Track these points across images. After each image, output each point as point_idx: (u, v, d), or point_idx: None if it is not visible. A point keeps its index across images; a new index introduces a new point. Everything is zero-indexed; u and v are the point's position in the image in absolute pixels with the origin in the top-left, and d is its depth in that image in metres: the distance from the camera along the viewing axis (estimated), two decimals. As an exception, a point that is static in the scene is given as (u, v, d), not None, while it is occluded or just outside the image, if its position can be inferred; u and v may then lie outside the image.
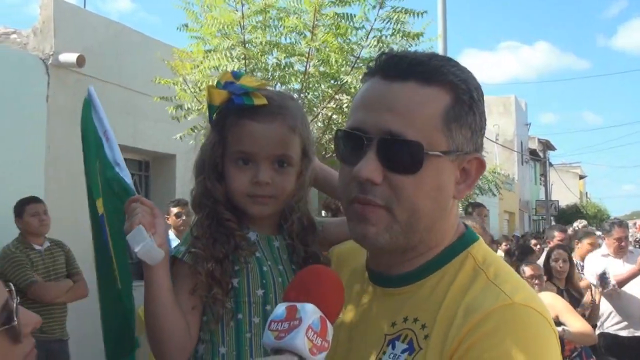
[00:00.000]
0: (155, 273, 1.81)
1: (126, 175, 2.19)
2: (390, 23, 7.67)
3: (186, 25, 8.03)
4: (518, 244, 7.77)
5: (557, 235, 9.65)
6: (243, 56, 7.67)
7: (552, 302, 5.88)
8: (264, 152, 1.94)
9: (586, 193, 65.69)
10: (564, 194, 49.54)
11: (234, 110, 1.95)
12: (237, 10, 7.68)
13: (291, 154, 1.98)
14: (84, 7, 10.01)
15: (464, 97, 1.48)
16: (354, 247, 1.79)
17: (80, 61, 7.67)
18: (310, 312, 1.30)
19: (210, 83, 2.03)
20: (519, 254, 7.62)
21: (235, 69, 7.53)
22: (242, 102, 1.93)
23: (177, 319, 1.84)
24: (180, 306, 1.85)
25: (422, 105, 1.43)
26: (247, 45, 7.72)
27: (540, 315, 1.39)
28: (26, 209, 6.29)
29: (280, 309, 1.34)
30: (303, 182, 2.05)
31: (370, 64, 1.56)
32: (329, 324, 1.33)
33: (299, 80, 7.88)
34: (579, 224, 13.63)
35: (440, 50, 12.03)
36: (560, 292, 7.00)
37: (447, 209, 1.52)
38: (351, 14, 7.66)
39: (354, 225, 1.50)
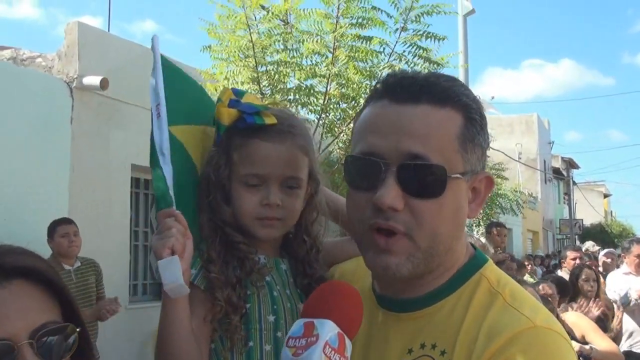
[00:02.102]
0: (176, 305, 1.71)
1: (168, 171, 1.89)
2: (412, 47, 7.69)
3: (209, 47, 8.11)
4: (556, 280, 7.34)
5: (570, 255, 9.55)
6: (265, 77, 7.74)
7: (577, 321, 5.78)
8: (275, 174, 1.89)
9: (611, 212, 64.84)
10: (589, 213, 48.93)
11: (241, 130, 1.90)
12: (249, 33, 7.75)
13: (301, 175, 1.93)
14: (108, 30, 10.17)
15: (475, 116, 1.47)
16: (357, 267, 1.75)
17: (104, 84, 7.78)
18: (327, 328, 1.29)
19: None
20: (559, 292, 7.12)
21: (255, 91, 7.59)
22: (254, 122, 1.87)
23: (193, 350, 1.75)
24: (194, 334, 1.77)
25: (439, 128, 1.41)
26: (261, 67, 7.78)
27: (561, 337, 1.39)
28: (57, 229, 6.39)
29: (298, 325, 1.33)
30: (314, 204, 2.01)
31: (378, 86, 1.52)
32: (347, 340, 1.32)
33: (319, 101, 7.92)
34: (590, 246, 13.52)
35: (461, 72, 11.99)
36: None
37: (462, 230, 1.52)
38: (371, 37, 7.69)
39: (374, 257, 1.46)
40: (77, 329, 1.36)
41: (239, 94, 1.95)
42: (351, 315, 1.37)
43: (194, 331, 1.77)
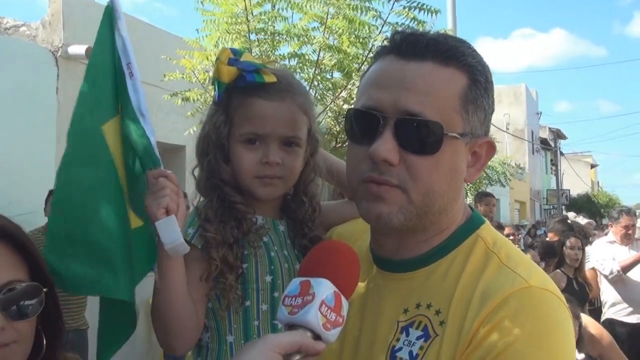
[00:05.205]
0: (173, 263, 1.74)
1: (150, 132, 1.86)
2: (406, 19, 7.60)
3: (202, 3, 7.97)
4: (543, 243, 7.70)
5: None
6: (255, 45, 7.66)
7: (600, 333, 5.28)
8: (275, 132, 1.88)
9: (598, 182, 65.30)
10: (576, 183, 49.22)
11: (242, 89, 1.89)
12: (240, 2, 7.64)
13: (300, 134, 1.93)
14: (93, -2, 10.00)
15: (480, 78, 1.46)
16: (354, 229, 1.76)
17: (89, 53, 7.66)
18: (323, 287, 1.28)
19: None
20: (543, 254, 7.61)
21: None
22: (254, 79, 1.86)
23: (188, 308, 1.78)
24: (190, 294, 1.79)
25: (441, 86, 1.41)
26: (253, 35, 7.69)
27: (556, 297, 1.39)
28: (49, 198, 6.37)
29: (295, 284, 1.31)
30: (313, 164, 2.00)
31: (384, 42, 1.51)
32: (343, 299, 1.31)
33: (310, 70, 7.85)
34: (572, 217, 13.82)
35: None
36: (569, 281, 7.03)
37: (459, 192, 1.51)
38: (364, 6, 7.61)
39: (367, 205, 1.46)
40: (45, 289, 1.36)
41: (237, 53, 1.93)
42: (348, 274, 1.35)
43: (190, 290, 1.79)
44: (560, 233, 8.00)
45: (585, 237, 9.35)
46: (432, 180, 1.41)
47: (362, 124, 1.46)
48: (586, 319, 5.18)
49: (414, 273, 1.51)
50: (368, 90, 1.47)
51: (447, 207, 1.48)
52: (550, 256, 7.52)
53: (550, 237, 8.08)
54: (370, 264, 1.61)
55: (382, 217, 1.44)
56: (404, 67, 1.42)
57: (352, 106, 1.53)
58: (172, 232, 1.66)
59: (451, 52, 1.44)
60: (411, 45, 1.44)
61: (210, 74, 7.59)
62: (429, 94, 1.40)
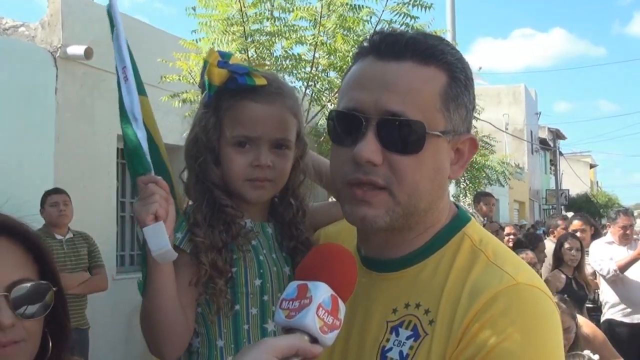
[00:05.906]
0: (162, 268, 1.72)
1: (142, 136, 1.85)
2: (399, 15, 7.60)
3: (194, 9, 7.99)
4: (527, 233, 8.17)
5: (561, 224, 9.70)
6: (251, 46, 7.66)
7: (593, 332, 5.24)
8: (266, 135, 1.88)
9: (597, 182, 65.37)
10: (575, 183, 49.25)
11: (231, 92, 1.88)
12: (235, 4, 7.64)
13: (290, 137, 1.93)
14: (92, -1, 10.01)
15: (460, 76, 1.47)
16: (340, 229, 1.76)
17: (89, 53, 7.68)
18: (320, 290, 1.28)
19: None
20: (528, 242, 8.12)
21: (244, 60, 7.51)
22: (245, 82, 1.86)
23: (178, 314, 1.77)
24: (180, 299, 1.78)
25: (421, 85, 1.42)
26: (249, 38, 7.70)
27: (543, 293, 1.40)
28: (47, 199, 6.40)
29: (292, 287, 1.31)
30: (303, 167, 2.00)
31: (363, 43, 1.52)
32: (340, 303, 1.31)
33: (307, 69, 7.86)
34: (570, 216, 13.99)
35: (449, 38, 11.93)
36: (568, 281, 7.03)
37: (444, 189, 1.52)
38: (358, 5, 7.62)
39: (352, 208, 1.47)
40: (54, 288, 1.37)
41: (225, 56, 1.92)
42: (345, 278, 1.35)
43: (179, 295, 1.77)
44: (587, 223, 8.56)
45: (599, 235, 9.48)
46: (417, 179, 1.42)
47: (345, 125, 1.46)
48: (579, 319, 5.17)
49: (402, 272, 1.51)
50: (349, 91, 1.47)
51: (432, 206, 1.49)
52: (536, 242, 8.16)
53: (576, 226, 8.60)
54: (358, 264, 1.58)
55: (366, 219, 1.45)
56: (383, 67, 1.43)
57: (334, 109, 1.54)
58: (159, 238, 1.65)
59: (430, 51, 1.44)
60: (390, 46, 1.44)
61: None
62: (410, 94, 1.40)
